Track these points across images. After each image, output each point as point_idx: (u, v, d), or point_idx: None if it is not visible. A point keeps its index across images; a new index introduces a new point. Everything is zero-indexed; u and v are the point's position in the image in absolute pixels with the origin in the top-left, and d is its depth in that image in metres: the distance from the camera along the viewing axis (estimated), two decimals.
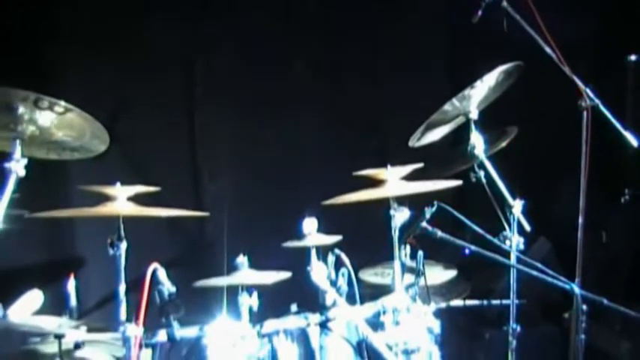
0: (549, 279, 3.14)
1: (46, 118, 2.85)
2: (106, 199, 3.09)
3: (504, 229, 3.43)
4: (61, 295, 3.36)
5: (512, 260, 3.37)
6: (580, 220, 3.52)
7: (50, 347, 3.26)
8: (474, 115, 3.46)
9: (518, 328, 3.46)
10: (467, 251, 3.23)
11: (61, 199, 3.95)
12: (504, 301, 3.63)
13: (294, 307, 3.21)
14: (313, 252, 3.09)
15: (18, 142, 2.83)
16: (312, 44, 4.68)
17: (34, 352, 3.36)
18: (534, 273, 3.16)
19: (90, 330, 3.14)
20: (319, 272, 3.06)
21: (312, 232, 3.14)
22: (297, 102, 4.62)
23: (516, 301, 3.49)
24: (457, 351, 3.72)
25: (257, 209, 4.50)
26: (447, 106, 3.39)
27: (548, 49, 3.45)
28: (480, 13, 3.55)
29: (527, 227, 3.45)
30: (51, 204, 3.37)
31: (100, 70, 4.30)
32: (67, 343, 3.16)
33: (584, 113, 3.44)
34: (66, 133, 2.97)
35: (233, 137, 4.54)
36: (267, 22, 4.61)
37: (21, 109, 2.78)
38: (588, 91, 3.45)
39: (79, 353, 3.25)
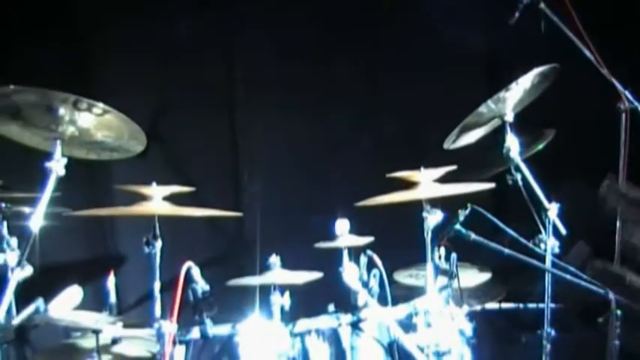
0: (584, 283, 3.12)
1: (85, 119, 2.92)
2: (142, 198, 3.16)
3: (540, 232, 3.41)
4: (100, 291, 3.44)
5: (547, 264, 3.35)
6: (618, 223, 3.48)
7: (89, 342, 3.33)
8: (510, 117, 3.45)
9: (553, 333, 3.43)
10: (503, 254, 3.23)
11: (101, 198, 4.03)
12: (540, 305, 3.60)
13: (331, 307, 3.24)
14: (345, 253, 3.11)
15: (58, 142, 2.90)
16: (350, 44, 4.69)
17: (74, 347, 3.44)
18: (569, 277, 3.14)
19: (126, 326, 3.21)
20: (351, 273, 3.07)
21: (344, 233, 3.16)
22: (334, 103, 4.65)
23: (552, 305, 3.47)
24: (490, 354, 3.70)
25: (290, 210, 4.54)
26: (482, 109, 3.37)
27: (586, 52, 3.42)
28: (517, 14, 3.53)
29: (563, 231, 3.42)
30: (92, 203, 3.46)
31: (140, 71, 4.39)
32: (105, 338, 3.25)
33: (623, 116, 3.40)
34: (105, 134, 3.04)
35: (270, 138, 4.59)
36: (306, 23, 4.64)
37: (61, 111, 2.85)
38: (627, 93, 3.41)
39: (115, 348, 3.34)
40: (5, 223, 3.41)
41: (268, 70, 4.62)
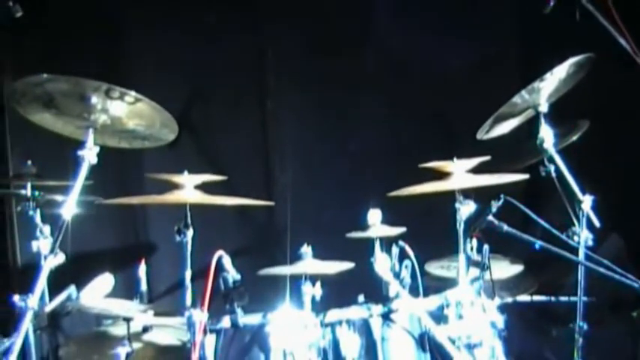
0: (617, 277, 3.07)
1: (117, 107, 2.93)
2: (174, 187, 3.16)
3: (573, 224, 3.37)
4: (131, 279, 3.46)
5: (580, 257, 3.31)
6: None
7: (120, 329, 3.36)
8: (544, 107, 3.40)
9: (586, 326, 3.39)
10: (536, 246, 3.19)
11: (133, 187, 4.04)
12: (572, 298, 3.56)
13: (361, 298, 3.23)
14: (377, 243, 3.10)
15: (91, 130, 2.91)
16: (380, 34, 4.65)
17: (105, 334, 3.46)
18: (602, 270, 3.10)
19: (157, 314, 3.23)
20: (383, 263, 3.07)
21: (376, 224, 3.15)
22: (366, 93, 4.61)
23: (584, 299, 3.43)
24: (522, 347, 3.66)
25: (322, 199, 4.52)
26: (516, 99, 3.33)
27: (622, 41, 3.36)
28: (552, 3, 3.48)
29: (597, 223, 3.37)
30: (123, 191, 3.47)
31: (172, 60, 4.40)
32: (136, 326, 3.27)
33: None
34: (136, 123, 3.05)
35: (301, 127, 4.58)
36: (338, 13, 4.61)
37: (93, 99, 2.87)
38: None
39: (146, 336, 3.36)
40: (38, 211, 3.44)
41: (300, 60, 4.60)
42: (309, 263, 3.12)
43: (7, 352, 2.57)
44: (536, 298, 4.02)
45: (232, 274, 2.98)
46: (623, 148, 4.39)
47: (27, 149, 3.98)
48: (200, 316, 2.91)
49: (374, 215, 3.13)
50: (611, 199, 3.53)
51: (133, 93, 2.88)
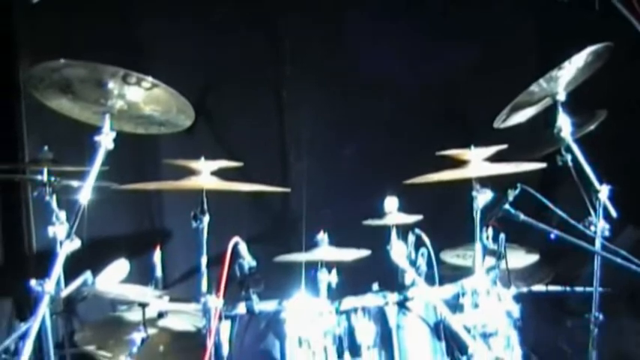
0: (634, 267, 3.06)
1: (134, 93, 2.92)
2: (191, 173, 3.17)
3: (590, 214, 3.35)
4: (147, 265, 3.47)
5: (597, 247, 3.29)
6: None
7: (135, 315, 3.37)
8: (562, 96, 3.38)
9: (601, 317, 3.38)
10: (552, 236, 3.18)
11: (149, 173, 4.05)
12: (588, 289, 3.54)
13: (375, 286, 3.22)
14: (393, 231, 3.09)
15: (107, 116, 2.90)
16: (400, 23, 4.64)
17: (120, 319, 3.48)
18: (618, 261, 3.08)
19: (172, 300, 3.23)
20: (399, 251, 3.05)
21: (392, 211, 3.14)
22: (382, 81, 4.59)
23: (600, 289, 3.41)
24: (537, 337, 3.65)
25: (339, 186, 4.52)
26: (533, 87, 3.32)
27: None
28: None
29: (614, 213, 3.35)
30: (139, 177, 3.48)
31: (189, 47, 4.39)
32: (151, 311, 3.28)
33: None
34: (153, 108, 3.05)
35: (318, 115, 4.56)
36: (354, 3, 4.60)
37: (110, 85, 2.86)
38: None
39: (161, 322, 3.36)
40: (54, 197, 3.45)
41: (316, 47, 4.59)
42: (325, 250, 3.12)
43: (24, 336, 2.57)
44: (552, 288, 4.00)
45: (248, 261, 2.98)
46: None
47: (43, 135, 3.99)
48: (215, 302, 2.91)
49: (391, 203, 3.13)
50: (628, 191, 3.50)
51: (150, 78, 2.87)
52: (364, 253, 3.21)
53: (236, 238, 2.97)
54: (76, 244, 2.81)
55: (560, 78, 3.32)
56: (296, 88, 4.58)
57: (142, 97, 2.96)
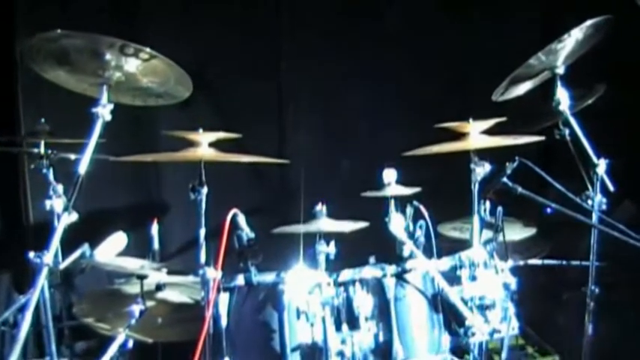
0: (631, 241, 3.06)
1: (131, 64, 2.90)
2: (189, 144, 3.16)
3: (587, 188, 3.35)
4: (144, 238, 3.46)
5: (594, 220, 3.30)
6: None
7: (133, 288, 3.37)
8: (561, 70, 3.37)
9: (597, 290, 3.39)
10: (548, 210, 3.18)
11: (147, 145, 4.03)
12: (584, 263, 3.56)
13: (372, 260, 3.22)
14: (392, 203, 3.08)
15: (105, 87, 2.89)
16: None
17: (119, 292, 3.48)
18: (615, 234, 3.09)
19: (170, 272, 3.24)
20: (397, 223, 3.06)
21: (391, 183, 3.13)
22: (382, 54, 4.58)
23: (596, 263, 3.42)
24: (533, 309, 3.66)
25: (337, 158, 4.53)
26: (532, 60, 3.30)
27: None
28: None
29: (611, 187, 3.36)
30: (136, 149, 3.46)
31: (188, 18, 4.38)
32: (149, 284, 3.28)
33: None
34: (150, 80, 3.03)
35: (316, 87, 4.55)
36: None
37: (108, 56, 2.84)
38: None
39: (160, 294, 3.37)
40: (51, 170, 3.44)
41: (316, 19, 4.57)
42: (323, 222, 3.11)
43: (23, 308, 2.57)
44: (547, 262, 4.01)
45: (247, 232, 2.98)
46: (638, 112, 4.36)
47: (40, 107, 3.98)
48: (214, 273, 2.92)
49: (389, 174, 3.12)
50: (625, 165, 3.50)
51: (147, 50, 2.85)
52: (362, 224, 3.20)
53: (234, 210, 2.97)
54: (73, 216, 2.80)
55: (559, 51, 3.31)
56: (295, 60, 4.56)
57: (140, 68, 2.93)
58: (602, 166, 3.34)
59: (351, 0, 4.59)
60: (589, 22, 3.25)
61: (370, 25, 4.59)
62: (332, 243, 3.04)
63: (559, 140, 3.41)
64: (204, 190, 3.05)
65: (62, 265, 2.98)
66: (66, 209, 2.78)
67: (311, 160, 4.23)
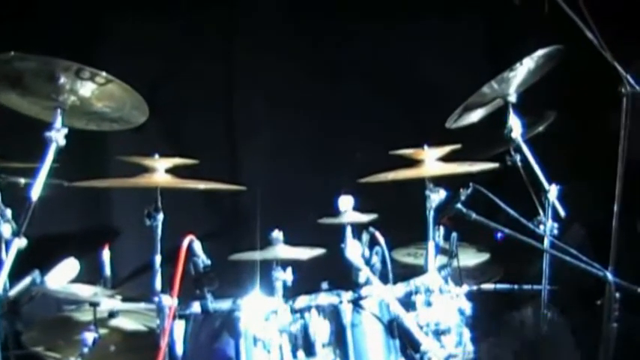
0: (583, 265, 3.12)
1: (87, 88, 2.86)
2: (145, 170, 3.12)
3: (539, 213, 3.41)
4: (96, 264, 3.40)
5: (546, 245, 3.36)
6: (615, 207, 3.47)
7: (85, 315, 3.31)
8: (513, 98, 3.44)
9: (550, 314, 3.44)
10: (499, 235, 3.23)
11: (99, 170, 3.98)
12: (536, 287, 3.60)
13: (324, 285, 3.21)
14: (348, 229, 3.07)
15: (59, 111, 2.84)
16: (353, 19, 4.65)
17: (69, 319, 3.41)
18: (567, 259, 3.14)
19: (124, 299, 3.18)
20: (354, 250, 3.05)
21: (347, 210, 3.13)
22: (336, 78, 4.61)
23: (548, 287, 3.47)
24: (488, 334, 3.69)
25: (293, 185, 4.51)
26: (485, 89, 3.36)
27: (589, 34, 3.39)
28: None
29: (562, 213, 3.42)
30: (89, 174, 3.41)
31: (141, 43, 4.35)
32: (102, 311, 3.22)
33: (624, 99, 3.38)
34: (106, 104, 2.99)
35: (272, 112, 4.55)
36: None
37: (63, 79, 2.80)
38: (629, 77, 3.39)
39: (113, 322, 3.31)
40: (0, 194, 3.36)
41: (270, 39, 4.57)
42: (280, 248, 3.10)
43: None
44: (500, 286, 4.05)
45: (203, 259, 2.94)
46: (587, 138, 4.45)
47: None
48: (170, 301, 2.87)
49: (345, 201, 3.12)
50: (574, 190, 3.57)
51: (103, 74, 2.82)
52: (319, 251, 3.19)
53: (190, 236, 2.93)
54: (22, 242, 2.74)
55: (511, 79, 3.38)
56: (249, 83, 4.56)
57: (95, 92, 2.89)
58: (553, 191, 3.40)
59: (306, 25, 4.60)
60: (540, 52, 3.32)
61: (325, 51, 4.61)
62: (289, 269, 3.03)
63: (510, 166, 3.47)
64: (160, 216, 3.01)
65: (11, 293, 2.91)
66: (15, 234, 2.72)
67: (267, 186, 4.22)
